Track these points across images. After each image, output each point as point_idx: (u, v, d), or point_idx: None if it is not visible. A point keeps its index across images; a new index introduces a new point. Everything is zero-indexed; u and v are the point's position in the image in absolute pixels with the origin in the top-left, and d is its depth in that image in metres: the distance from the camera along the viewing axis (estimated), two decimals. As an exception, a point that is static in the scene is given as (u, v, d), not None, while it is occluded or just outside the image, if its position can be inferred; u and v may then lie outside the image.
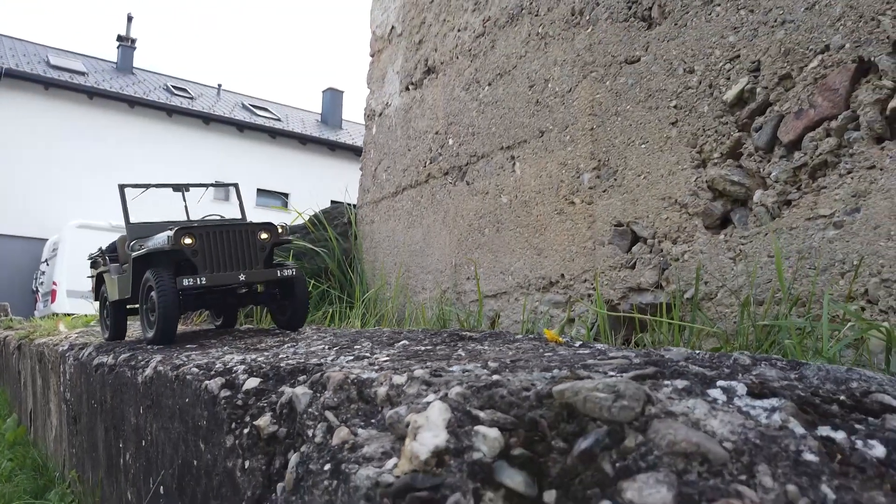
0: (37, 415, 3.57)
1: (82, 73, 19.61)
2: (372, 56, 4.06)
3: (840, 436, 0.76)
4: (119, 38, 22.58)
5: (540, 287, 2.64)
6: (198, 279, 2.06)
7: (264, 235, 2.20)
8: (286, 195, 22.09)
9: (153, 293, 2.08)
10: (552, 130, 2.64)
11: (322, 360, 1.26)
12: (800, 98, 1.84)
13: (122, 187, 2.52)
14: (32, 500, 2.60)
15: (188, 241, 2.08)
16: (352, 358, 1.28)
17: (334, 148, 23.52)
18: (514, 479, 0.67)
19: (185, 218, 2.74)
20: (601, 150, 2.41)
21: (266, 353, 1.49)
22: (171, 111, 20.07)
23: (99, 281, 2.80)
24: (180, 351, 1.86)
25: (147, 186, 2.56)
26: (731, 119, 2.01)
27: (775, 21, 1.91)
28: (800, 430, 0.75)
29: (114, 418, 1.88)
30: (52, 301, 13.65)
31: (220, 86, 25.15)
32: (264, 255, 2.19)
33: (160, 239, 2.17)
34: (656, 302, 2.16)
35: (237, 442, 1.11)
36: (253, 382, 1.19)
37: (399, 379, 0.96)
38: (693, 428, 0.71)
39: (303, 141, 22.89)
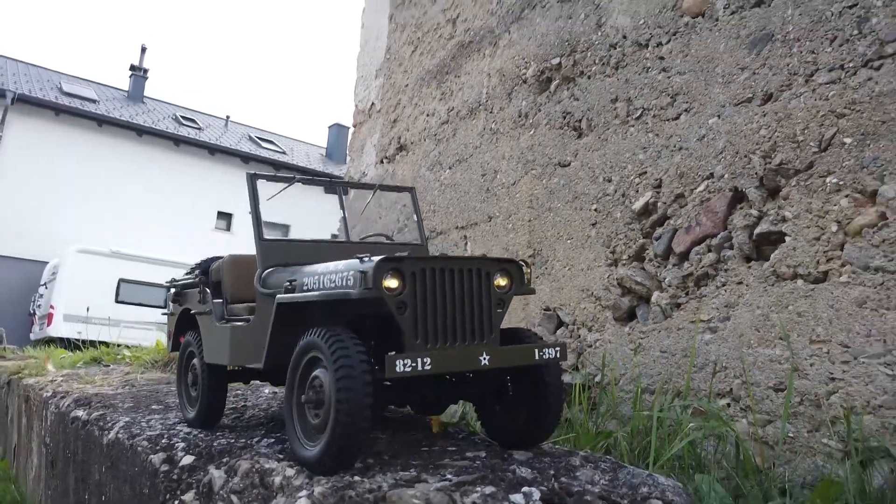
0: (20, 450, 3.81)
1: (94, 101, 20.17)
2: (354, 126, 4.41)
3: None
4: (132, 67, 23.25)
5: (482, 358, 2.91)
6: (420, 360, 1.19)
7: (503, 282, 1.36)
8: (287, 227, 22.45)
9: (323, 374, 1.23)
10: (498, 217, 2.94)
11: (248, 442, 1.53)
12: (690, 215, 2.13)
13: (253, 178, 1.68)
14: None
15: (394, 283, 1.24)
16: (273, 440, 1.55)
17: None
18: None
19: (339, 236, 1.79)
20: (536, 240, 2.71)
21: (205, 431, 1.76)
22: (178, 141, 20.58)
23: (183, 324, 1.85)
24: (147, 413, 2.13)
25: (290, 181, 1.83)
26: (638, 227, 2.30)
27: (674, 146, 2.22)
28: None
29: (83, 471, 2.14)
30: (49, 325, 13.87)
31: (228, 117, 25.75)
32: (501, 316, 1.36)
33: (341, 275, 1.30)
34: (573, 382, 2.42)
35: (169, 511, 1.37)
36: (188, 459, 1.46)
37: (290, 472, 1.23)
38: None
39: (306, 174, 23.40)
